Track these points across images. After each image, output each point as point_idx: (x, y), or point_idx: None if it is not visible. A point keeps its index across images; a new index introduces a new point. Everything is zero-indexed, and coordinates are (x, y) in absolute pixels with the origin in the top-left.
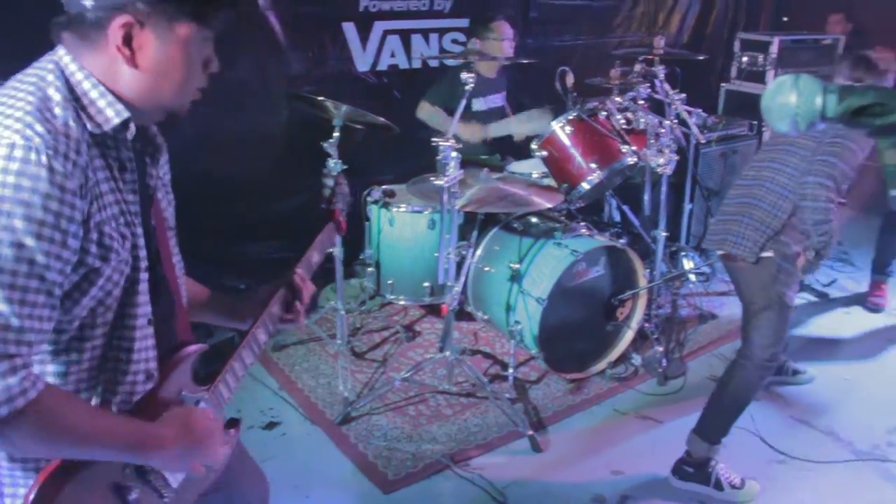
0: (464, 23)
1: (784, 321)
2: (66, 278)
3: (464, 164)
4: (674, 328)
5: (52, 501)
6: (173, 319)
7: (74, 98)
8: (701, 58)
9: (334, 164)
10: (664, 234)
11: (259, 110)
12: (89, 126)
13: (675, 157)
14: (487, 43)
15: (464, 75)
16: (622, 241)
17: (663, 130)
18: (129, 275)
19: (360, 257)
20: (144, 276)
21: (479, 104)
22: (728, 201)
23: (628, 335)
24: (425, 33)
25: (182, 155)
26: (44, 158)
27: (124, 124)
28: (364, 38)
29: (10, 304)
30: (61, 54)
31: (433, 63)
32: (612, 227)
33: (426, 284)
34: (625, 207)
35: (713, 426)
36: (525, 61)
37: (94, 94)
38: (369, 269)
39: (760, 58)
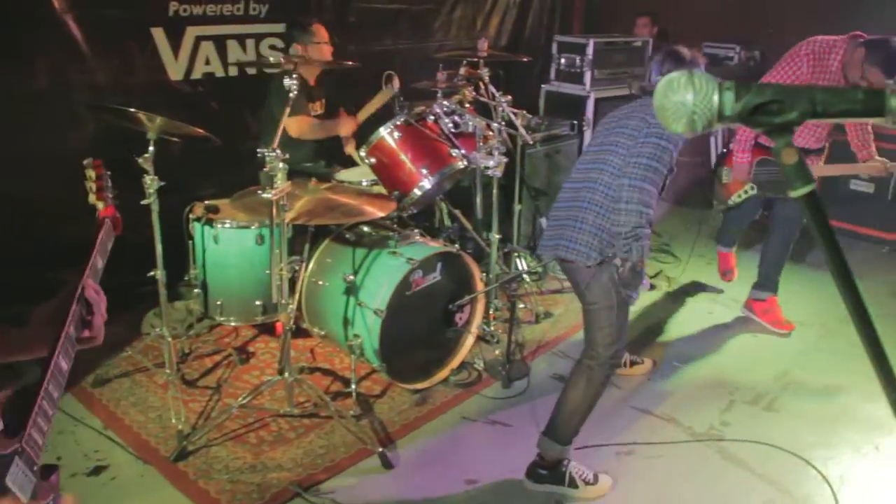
0: (280, 28)
1: (625, 318)
2: None
3: (290, 174)
4: (513, 329)
5: None
6: None
7: None
8: (525, 59)
9: (150, 181)
10: (497, 236)
11: (59, 124)
12: None
13: (505, 160)
14: (310, 47)
15: (287, 81)
16: (456, 245)
17: (491, 133)
18: None
19: (185, 278)
20: None
21: (315, 108)
22: (558, 205)
23: (469, 340)
24: (241, 39)
25: None
26: None
27: None
28: (176, 44)
29: None
30: None
31: (251, 71)
32: (444, 231)
33: (258, 303)
34: (456, 212)
35: (563, 428)
36: (350, 64)
37: None
38: (195, 291)
39: (577, 59)
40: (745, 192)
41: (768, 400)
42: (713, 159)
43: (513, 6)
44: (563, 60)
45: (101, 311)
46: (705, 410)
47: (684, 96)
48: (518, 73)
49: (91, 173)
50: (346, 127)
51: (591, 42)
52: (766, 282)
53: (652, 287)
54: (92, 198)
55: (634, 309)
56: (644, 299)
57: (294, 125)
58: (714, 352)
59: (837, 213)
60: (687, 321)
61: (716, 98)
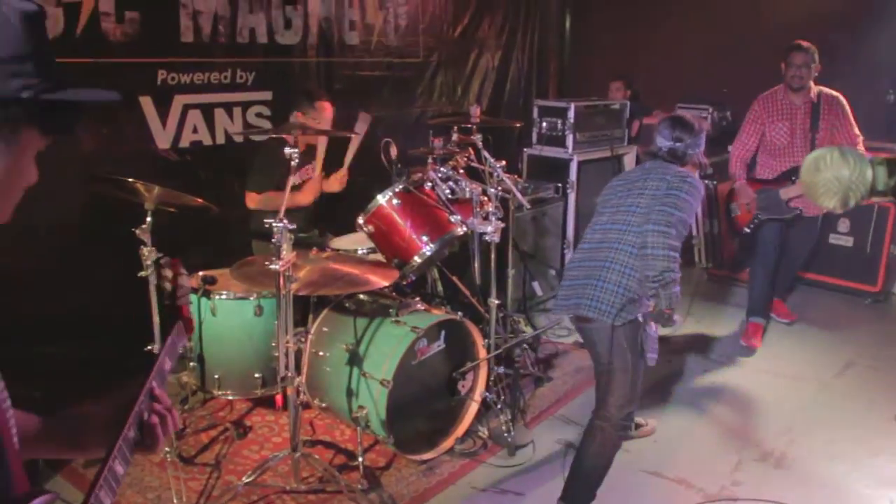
0: (267, 96)
1: (639, 380)
2: None
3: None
4: (515, 396)
5: None
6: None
7: None
8: (518, 125)
9: (148, 253)
10: (496, 301)
11: (50, 195)
12: None
13: (502, 225)
14: (308, 118)
15: (288, 150)
16: (459, 313)
17: (486, 198)
18: None
19: (180, 351)
20: None
21: (295, 178)
22: (574, 265)
23: (473, 407)
24: (228, 107)
25: None
26: None
27: None
28: (163, 112)
29: None
30: None
31: (238, 139)
32: (438, 298)
33: (257, 375)
34: (453, 278)
35: (579, 493)
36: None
37: None
38: (191, 364)
39: (559, 123)
40: (755, 219)
41: (776, 457)
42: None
43: (491, 71)
44: (544, 124)
45: (169, 422)
46: (715, 470)
47: (839, 171)
48: (500, 138)
49: (168, 272)
50: (335, 184)
51: (573, 106)
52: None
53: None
54: (167, 296)
55: None
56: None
57: (258, 200)
58: (715, 409)
59: (819, 266)
60: (684, 379)
61: (869, 173)
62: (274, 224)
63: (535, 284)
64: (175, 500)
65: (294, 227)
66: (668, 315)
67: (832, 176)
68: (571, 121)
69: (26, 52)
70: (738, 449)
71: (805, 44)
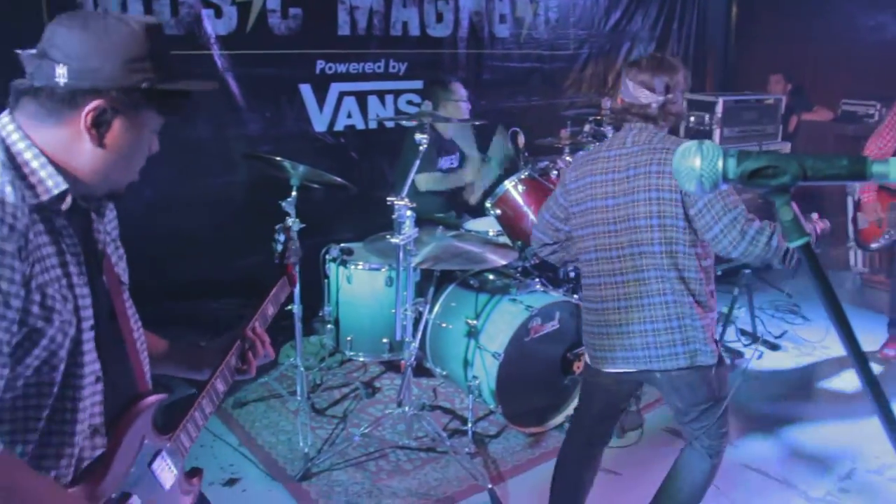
0: (418, 84)
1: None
2: (12, 336)
3: (420, 222)
4: None
5: None
6: (130, 373)
7: (14, 166)
8: None
9: (291, 223)
10: None
11: (218, 170)
12: (26, 195)
13: None
14: (448, 104)
15: (417, 136)
16: (576, 296)
17: None
18: (74, 335)
19: (319, 314)
20: (89, 335)
21: (444, 163)
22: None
23: None
24: (381, 95)
25: (144, 215)
26: None
27: (61, 196)
28: (321, 98)
29: None
30: (4, 122)
31: (389, 124)
32: (567, 283)
33: (385, 341)
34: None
35: None
36: (478, 122)
37: (35, 164)
38: (328, 326)
39: (707, 117)
40: (885, 235)
41: (894, 472)
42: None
43: None
44: (692, 118)
45: (259, 350)
46: (824, 476)
47: (693, 161)
48: None
49: (281, 236)
50: (473, 175)
51: (721, 100)
52: None
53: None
54: (278, 256)
55: (760, 364)
56: (770, 359)
57: (422, 181)
58: (839, 416)
59: None
60: (813, 381)
61: (720, 163)
62: (395, 201)
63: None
64: (302, 443)
65: (415, 205)
66: (793, 254)
67: (689, 164)
68: (719, 115)
69: (146, 54)
70: (853, 458)
71: None
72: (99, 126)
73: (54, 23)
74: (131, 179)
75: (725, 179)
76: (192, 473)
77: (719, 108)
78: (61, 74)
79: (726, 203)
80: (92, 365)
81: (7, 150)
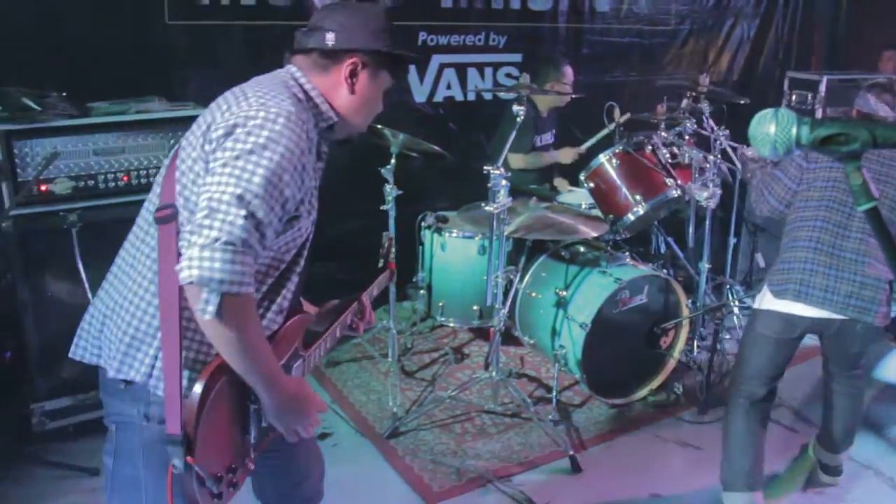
0: (517, 58)
1: None
2: (287, 213)
3: (514, 192)
4: (715, 359)
5: (215, 385)
6: (301, 286)
7: (308, 98)
8: (742, 101)
9: (390, 190)
10: (707, 266)
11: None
12: (319, 120)
13: (719, 192)
14: (556, 86)
15: (515, 107)
16: (665, 271)
17: (707, 165)
18: (306, 236)
19: (413, 280)
20: (308, 242)
21: (538, 140)
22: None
23: (671, 364)
24: (480, 67)
25: None
26: (299, 130)
27: (331, 126)
28: (422, 70)
29: (265, 214)
30: (293, 71)
31: (487, 97)
32: (657, 258)
33: (475, 308)
34: (669, 240)
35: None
36: (576, 96)
37: (319, 100)
38: (421, 292)
39: (809, 96)
40: None
41: None
42: None
43: (745, 41)
44: (794, 97)
45: (366, 316)
46: None
47: (768, 128)
48: (746, 108)
49: (385, 242)
50: (566, 156)
51: (825, 79)
52: None
53: None
54: (381, 258)
55: None
56: None
57: (514, 160)
58: None
59: None
60: None
61: (794, 130)
62: (491, 170)
63: (759, 256)
64: (391, 403)
65: (509, 174)
66: None
67: (764, 131)
68: (822, 94)
69: (386, 27)
70: None
71: None
72: (353, 76)
73: (326, 7)
74: (362, 129)
75: (799, 145)
76: None
77: (822, 87)
78: (330, 39)
79: None
80: (302, 261)
81: (301, 88)
